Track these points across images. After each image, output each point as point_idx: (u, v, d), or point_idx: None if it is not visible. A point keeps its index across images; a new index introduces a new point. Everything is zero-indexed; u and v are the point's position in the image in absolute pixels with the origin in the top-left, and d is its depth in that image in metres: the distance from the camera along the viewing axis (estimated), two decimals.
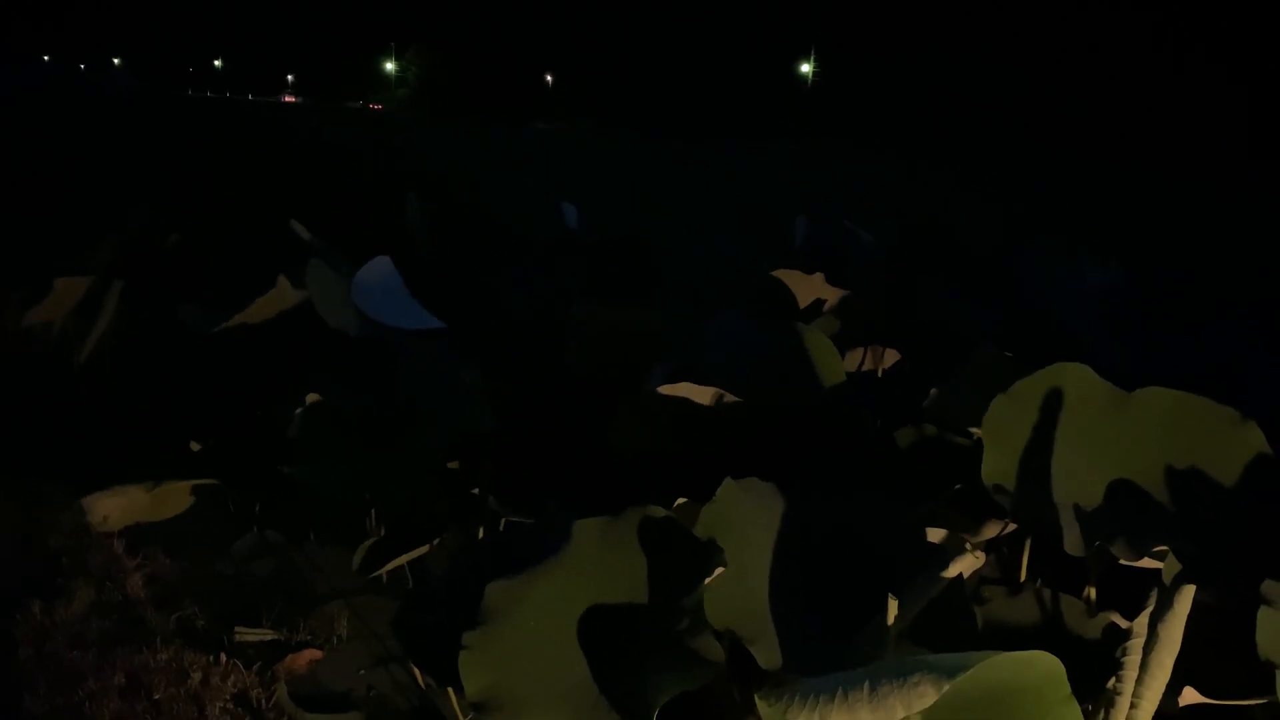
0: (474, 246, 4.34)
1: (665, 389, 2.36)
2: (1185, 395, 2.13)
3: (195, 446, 3.00)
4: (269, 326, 3.52)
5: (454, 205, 4.95)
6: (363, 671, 2.40)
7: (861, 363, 3.81)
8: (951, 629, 1.80)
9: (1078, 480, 2.06)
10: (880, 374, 3.57)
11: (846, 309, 3.72)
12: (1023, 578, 2.49)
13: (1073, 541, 1.93)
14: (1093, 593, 2.17)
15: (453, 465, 2.88)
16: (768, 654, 1.69)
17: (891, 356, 3.59)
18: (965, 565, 2.28)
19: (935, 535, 2.17)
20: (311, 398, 2.80)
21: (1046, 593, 2.09)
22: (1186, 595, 1.52)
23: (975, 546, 2.67)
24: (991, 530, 2.70)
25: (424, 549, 2.60)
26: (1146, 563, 1.98)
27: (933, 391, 2.59)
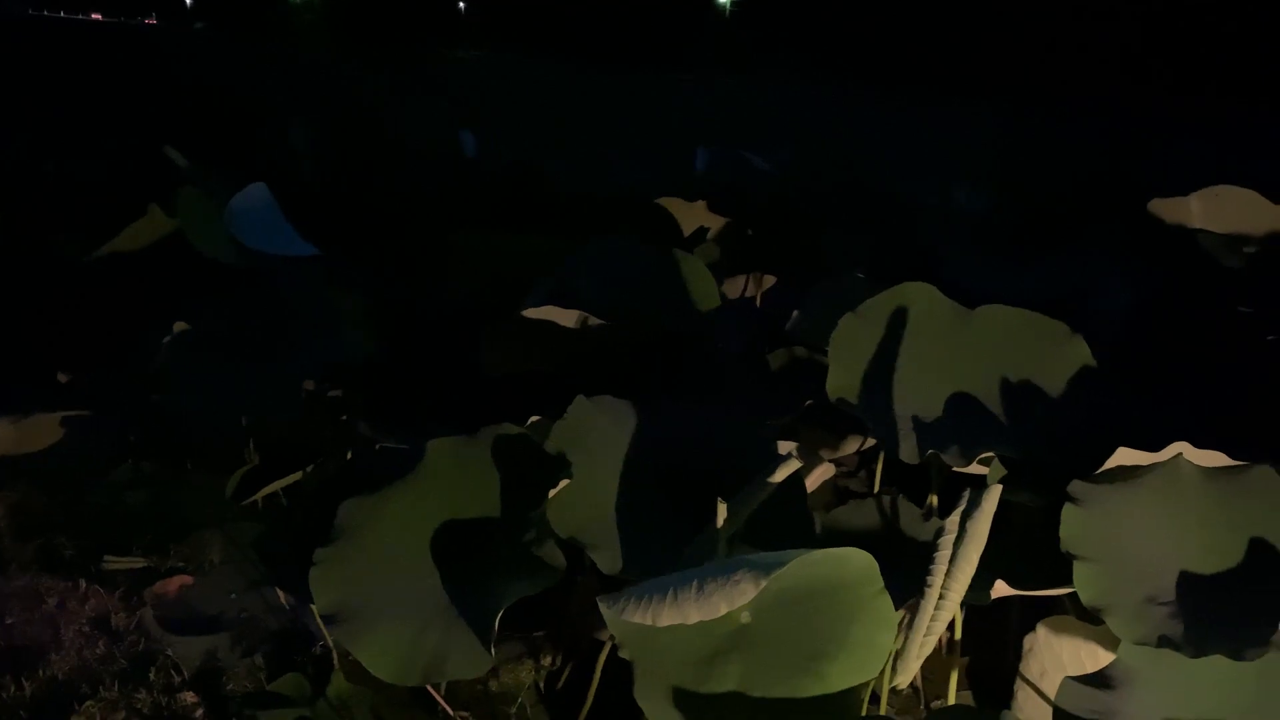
0: (360, 173, 4.28)
1: (530, 312, 2.39)
2: (1021, 311, 2.23)
3: (63, 378, 2.94)
4: (142, 255, 3.44)
5: (342, 132, 4.85)
6: (234, 595, 2.42)
7: (745, 288, 3.89)
8: (790, 533, 1.89)
9: (918, 393, 2.15)
10: (758, 299, 3.65)
11: (729, 236, 3.79)
12: (876, 489, 2.61)
13: (908, 450, 2.03)
14: (935, 500, 2.29)
15: (334, 394, 2.89)
16: (608, 560, 1.76)
17: (770, 282, 3.68)
18: (812, 477, 2.38)
19: (785, 447, 2.26)
20: (180, 326, 2.76)
21: (888, 500, 2.20)
22: (994, 494, 1.62)
23: (833, 460, 2.80)
24: (852, 445, 2.82)
25: (297, 475, 2.61)
26: (981, 470, 2.10)
27: (794, 314, 2.67)
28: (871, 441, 2.70)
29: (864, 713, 1.73)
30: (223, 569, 2.53)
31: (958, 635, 1.98)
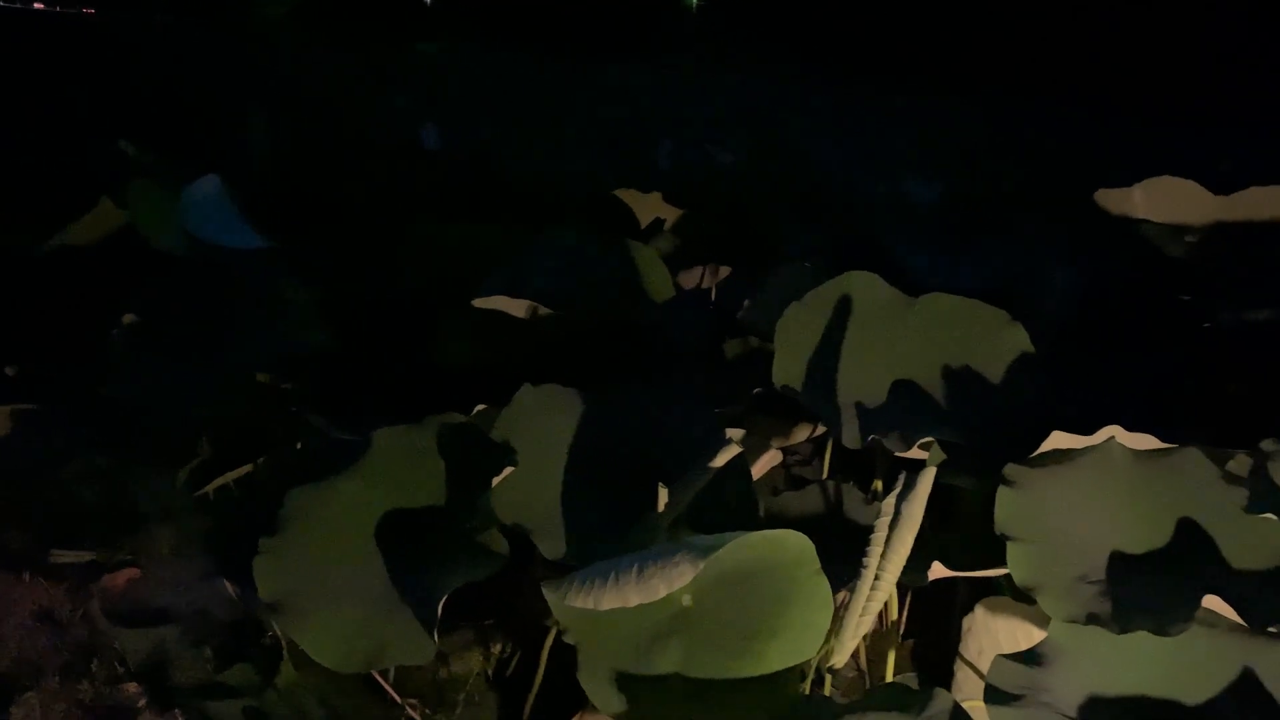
0: (316, 165, 4.26)
1: (479, 302, 2.41)
2: (962, 299, 2.27)
3: (10, 371, 2.92)
4: (93, 248, 3.41)
5: (298, 123, 4.82)
6: (183, 588, 2.41)
7: (701, 279, 3.91)
8: (734, 518, 1.92)
9: (862, 380, 2.19)
10: (714, 290, 3.68)
11: (686, 227, 3.82)
12: (825, 475, 2.65)
13: (850, 436, 2.07)
14: (879, 485, 2.33)
15: (286, 386, 2.88)
16: (552, 545, 1.78)
17: (726, 273, 3.70)
18: (759, 464, 2.41)
19: (734, 435, 2.28)
20: (129, 318, 2.75)
21: (833, 485, 2.23)
22: (928, 477, 1.66)
23: (785, 448, 2.84)
24: (803, 433, 2.85)
25: (249, 467, 2.61)
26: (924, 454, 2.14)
27: (745, 303, 2.70)
28: (822, 429, 2.74)
29: (805, 692, 1.76)
30: (173, 562, 2.52)
31: (893, 616, 2.02)
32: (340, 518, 1.86)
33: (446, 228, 3.19)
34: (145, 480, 2.80)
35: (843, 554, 1.81)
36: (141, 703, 1.98)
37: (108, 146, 3.93)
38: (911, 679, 1.60)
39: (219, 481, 2.57)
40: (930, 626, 2.37)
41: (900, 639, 2.37)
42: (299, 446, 2.40)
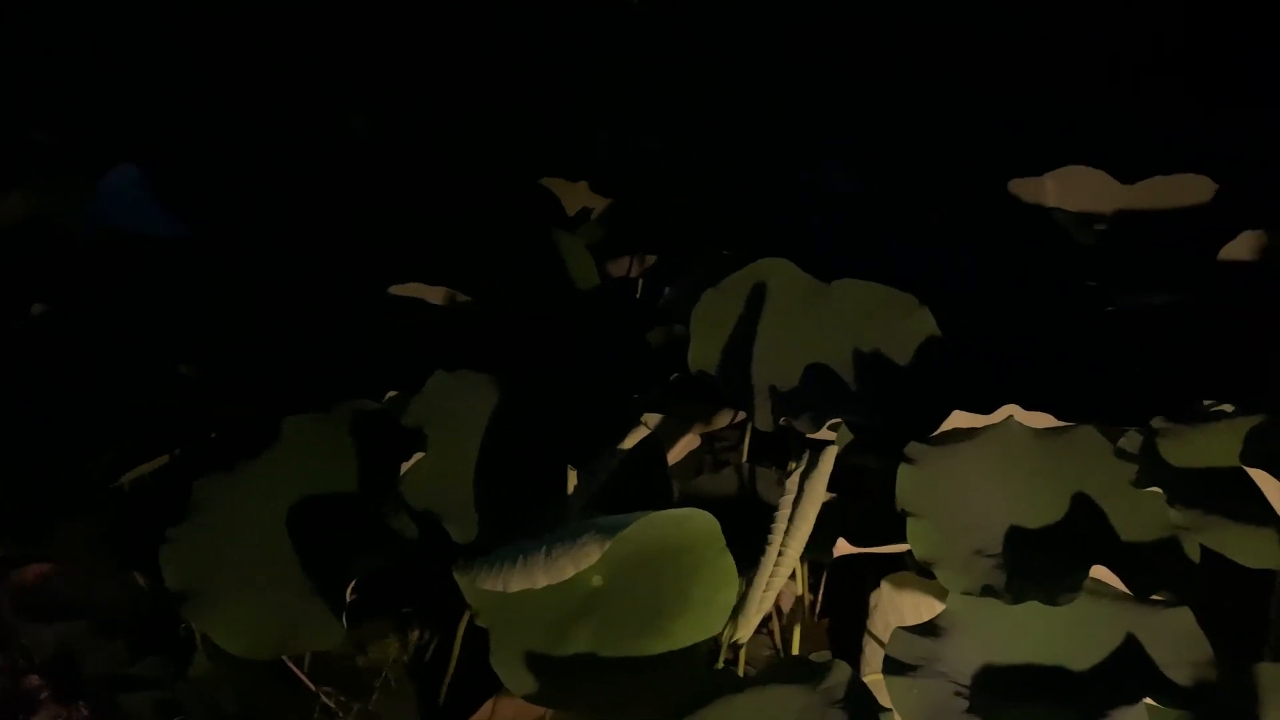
0: (245, 150, 4.18)
1: (396, 289, 2.41)
2: (873, 285, 2.33)
3: None
4: (2, 238, 3.33)
5: (226, 108, 4.73)
6: (96, 582, 2.37)
7: (630, 268, 3.94)
8: (647, 500, 1.93)
9: (775, 364, 2.23)
10: (640, 280, 3.70)
11: (614, 216, 3.83)
12: (744, 459, 2.68)
13: (763, 418, 2.11)
14: (794, 467, 2.36)
15: (202, 376, 2.85)
16: (462, 530, 1.79)
17: (653, 262, 3.73)
18: (678, 447, 2.44)
19: (651, 420, 2.31)
20: (38, 308, 2.69)
21: (748, 468, 2.27)
22: (829, 455, 1.70)
23: (710, 433, 2.87)
24: (725, 418, 2.89)
25: (164, 459, 2.57)
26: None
27: (666, 291, 2.73)
28: (744, 415, 2.78)
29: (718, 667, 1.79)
30: (85, 556, 2.47)
31: (798, 591, 2.07)
32: (249, 505, 1.86)
33: (368, 216, 3.17)
34: (56, 474, 2.75)
35: (755, 533, 1.84)
36: (44, 695, 1.95)
37: (18, 133, 3.83)
38: (824, 656, 1.64)
39: (134, 474, 2.53)
40: (846, 606, 2.42)
41: (815, 618, 2.42)
42: (212, 436, 2.37)
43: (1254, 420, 1.86)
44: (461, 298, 2.44)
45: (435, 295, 2.43)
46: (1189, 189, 3.24)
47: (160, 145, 3.86)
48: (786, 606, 2.09)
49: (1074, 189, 3.33)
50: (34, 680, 1.98)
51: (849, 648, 2.25)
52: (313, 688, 2.01)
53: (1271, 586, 1.87)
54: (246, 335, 2.71)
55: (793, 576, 2.01)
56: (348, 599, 1.67)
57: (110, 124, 4.26)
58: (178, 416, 2.67)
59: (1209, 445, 1.84)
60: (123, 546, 2.25)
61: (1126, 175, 3.24)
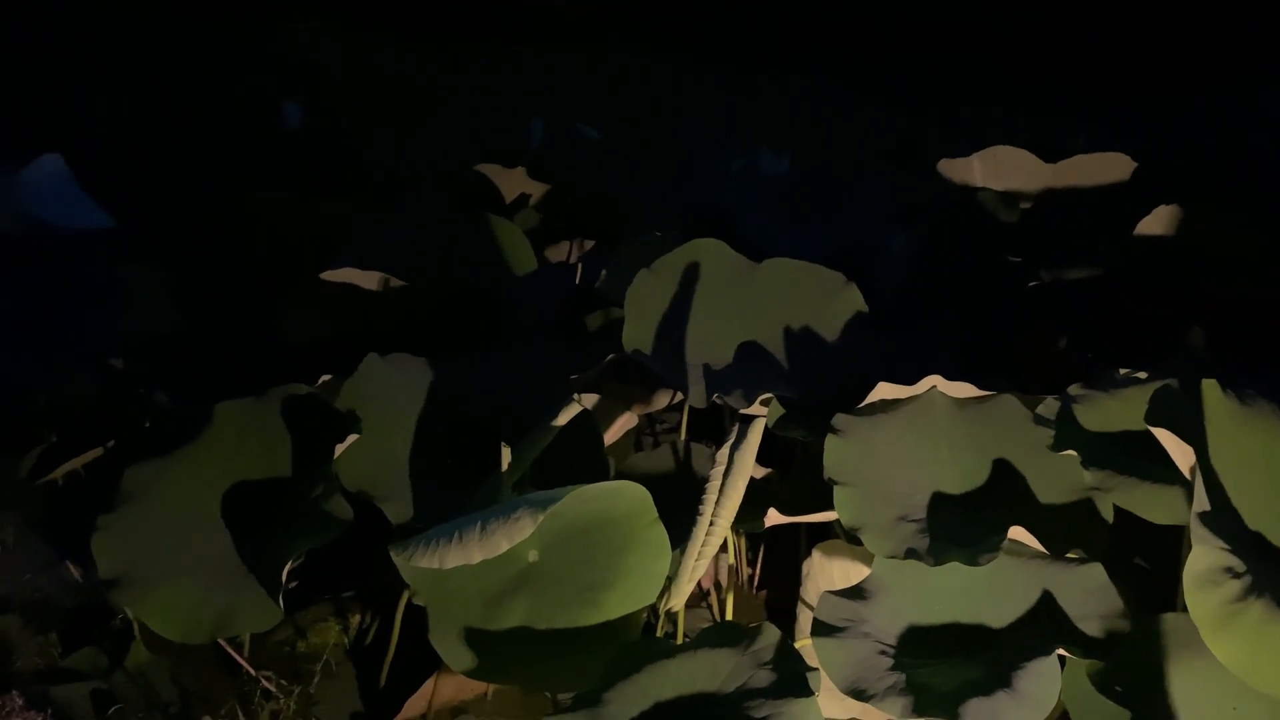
0: (170, 142, 4.13)
1: (328, 275, 2.40)
2: (802, 264, 2.38)
3: None
4: None
5: (154, 99, 4.66)
6: (28, 576, 2.34)
7: (570, 253, 3.95)
8: (584, 477, 1.96)
9: (708, 342, 2.27)
10: (579, 263, 3.72)
11: (552, 202, 3.85)
12: (683, 436, 2.72)
13: (697, 395, 2.14)
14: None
15: (133, 367, 2.81)
16: (397, 510, 1.80)
17: (591, 247, 3.75)
18: (615, 427, 2.46)
19: (588, 400, 2.33)
20: None
21: (683, 444, 2.31)
22: (757, 428, 1.74)
23: (649, 413, 2.90)
24: (664, 399, 2.92)
25: (98, 451, 2.53)
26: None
27: (602, 273, 2.75)
28: (682, 395, 2.82)
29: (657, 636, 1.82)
30: (15, 551, 2.44)
31: (730, 560, 2.11)
32: (181, 492, 1.85)
33: (299, 204, 3.15)
34: None
35: (690, 507, 1.88)
36: None
37: None
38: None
39: (67, 467, 2.49)
40: (783, 578, 2.47)
41: (755, 590, 2.48)
42: (145, 426, 2.35)
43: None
44: (395, 283, 2.44)
45: (369, 281, 2.42)
46: (1109, 167, 3.35)
47: (85, 135, 3.80)
48: (725, 580, 2.13)
49: (1000, 169, 3.43)
50: None
51: (786, 617, 2.30)
52: (253, 673, 2.00)
53: (1181, 541, 1.95)
54: (176, 324, 2.69)
55: (727, 549, 2.05)
56: (283, 581, 1.68)
57: (33, 115, 4.17)
58: (110, 408, 2.64)
59: (1122, 410, 1.91)
60: (54, 538, 2.22)
61: (1052, 155, 3.34)
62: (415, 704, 1.93)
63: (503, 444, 1.75)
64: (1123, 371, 2.02)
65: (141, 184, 3.60)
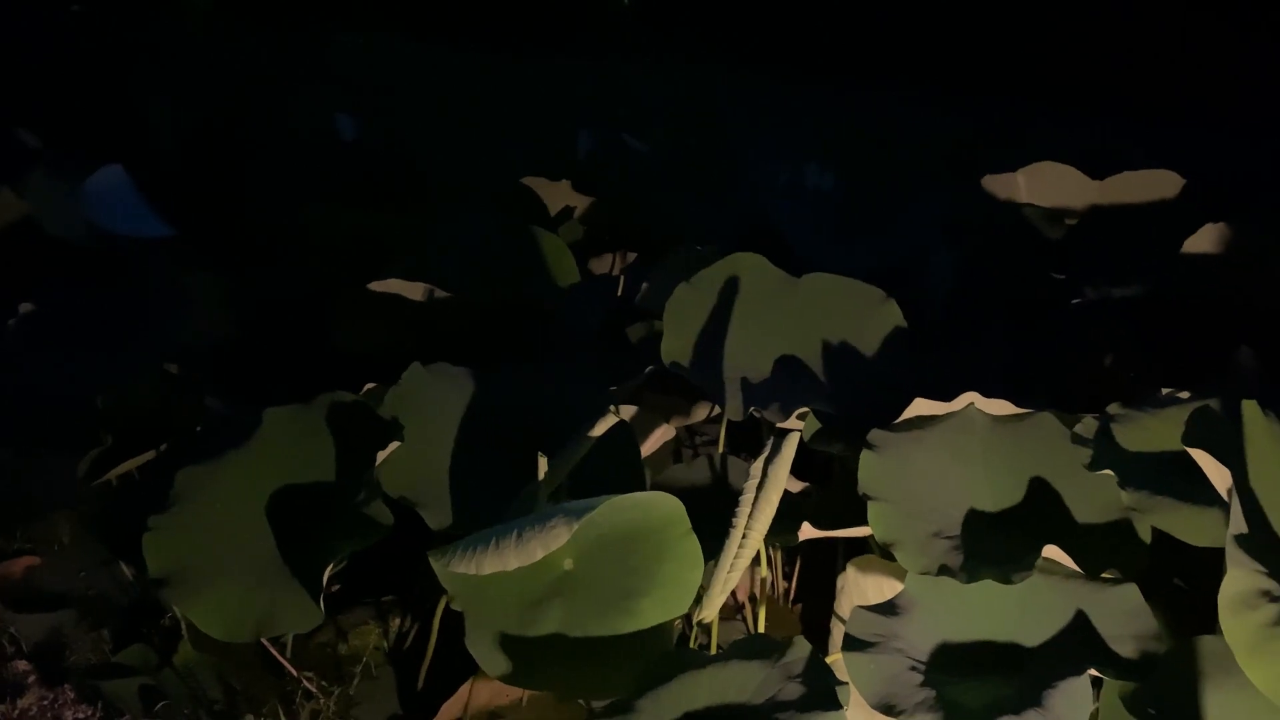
0: (227, 153, 4.24)
1: (375, 285, 2.45)
2: (842, 279, 2.39)
3: None
4: None
5: (212, 110, 4.78)
6: (82, 574, 2.43)
7: (613, 266, 3.99)
8: (620, 488, 1.99)
9: (746, 356, 2.28)
10: (621, 275, 3.75)
11: (596, 214, 3.89)
12: (721, 449, 2.74)
13: (734, 408, 2.16)
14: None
15: (189, 374, 2.89)
16: (437, 517, 1.84)
17: (634, 259, 3.78)
18: (652, 438, 2.49)
19: (627, 412, 2.36)
20: (25, 307, 2.74)
21: (720, 457, 2.33)
22: (792, 441, 1.75)
23: (688, 425, 2.92)
24: (703, 411, 2.95)
25: (151, 454, 2.62)
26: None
27: (644, 286, 2.78)
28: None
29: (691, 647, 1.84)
30: (72, 549, 2.53)
31: (764, 573, 2.12)
32: (229, 494, 1.90)
33: (352, 215, 3.22)
34: (45, 469, 2.79)
35: (725, 519, 1.90)
36: (31, 679, 2.00)
37: (7, 135, 3.87)
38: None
39: (122, 469, 2.57)
40: (818, 590, 2.47)
41: (790, 604, 2.48)
42: (197, 430, 2.42)
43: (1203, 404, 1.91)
44: (440, 294, 2.49)
45: (415, 292, 2.48)
46: (1156, 184, 3.31)
47: (146, 146, 3.92)
48: (760, 593, 2.14)
49: (1045, 185, 3.40)
50: (22, 665, 2.03)
51: (821, 631, 2.31)
52: (295, 673, 2.06)
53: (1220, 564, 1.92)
54: (231, 332, 2.77)
55: (760, 561, 2.06)
56: (325, 583, 1.72)
57: (97, 126, 4.31)
58: (164, 413, 2.73)
59: (1162, 430, 1.89)
60: (108, 538, 2.30)
61: (1099, 171, 3.31)
62: (451, 708, 1.96)
63: (539, 454, 1.78)
64: (1165, 391, 2.01)
65: (200, 194, 3.70)
